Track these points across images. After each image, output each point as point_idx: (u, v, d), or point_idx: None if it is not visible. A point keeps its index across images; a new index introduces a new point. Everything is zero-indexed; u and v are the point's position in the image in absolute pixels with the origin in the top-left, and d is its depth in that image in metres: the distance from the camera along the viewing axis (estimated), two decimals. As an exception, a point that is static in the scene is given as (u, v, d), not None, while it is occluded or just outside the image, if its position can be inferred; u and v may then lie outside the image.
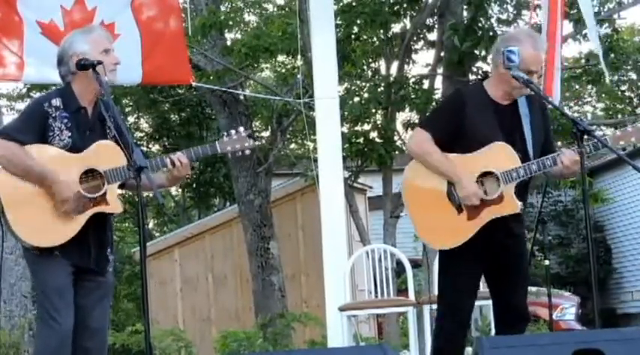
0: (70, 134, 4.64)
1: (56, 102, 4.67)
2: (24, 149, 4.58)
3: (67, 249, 4.60)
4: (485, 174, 4.79)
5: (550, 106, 5.20)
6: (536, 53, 4.81)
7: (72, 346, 4.60)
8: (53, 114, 4.64)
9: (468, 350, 6.20)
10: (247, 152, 4.89)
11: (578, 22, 11.78)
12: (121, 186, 4.73)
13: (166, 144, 19.82)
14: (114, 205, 4.66)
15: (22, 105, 17.83)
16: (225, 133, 4.88)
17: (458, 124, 4.78)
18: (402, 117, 12.08)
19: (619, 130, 4.87)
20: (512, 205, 4.78)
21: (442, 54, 11.39)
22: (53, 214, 4.58)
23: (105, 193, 4.62)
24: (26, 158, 4.57)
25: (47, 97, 4.72)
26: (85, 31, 4.89)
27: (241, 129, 4.90)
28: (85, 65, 4.64)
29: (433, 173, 4.81)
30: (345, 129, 10.88)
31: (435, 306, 6.47)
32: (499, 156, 4.77)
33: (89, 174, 4.63)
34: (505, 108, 4.86)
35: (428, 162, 4.80)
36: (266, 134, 15.10)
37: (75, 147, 4.64)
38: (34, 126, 4.63)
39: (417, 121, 11.32)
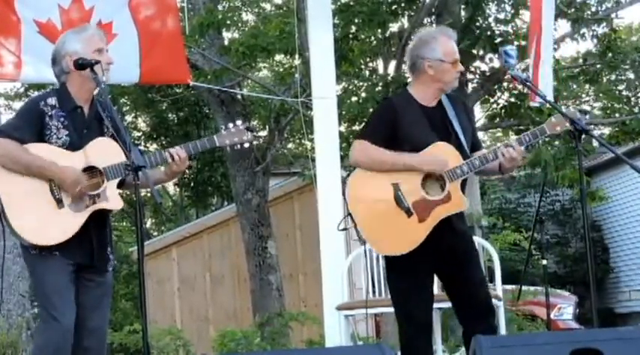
0: (67, 132, 4.64)
1: (52, 101, 4.67)
2: (22, 146, 4.58)
3: (67, 247, 4.59)
4: (430, 175, 4.80)
5: (546, 105, 5.21)
6: (452, 43, 4.90)
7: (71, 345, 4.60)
8: (49, 113, 4.64)
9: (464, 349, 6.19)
10: (246, 145, 4.89)
11: (576, 21, 11.81)
12: (119, 185, 4.73)
13: (164, 143, 19.79)
14: (114, 202, 4.66)
15: (19, 105, 17.81)
16: (224, 127, 4.88)
17: (392, 131, 4.82)
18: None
19: (553, 117, 4.86)
20: (460, 202, 4.80)
21: (440, 53, 11.37)
22: (53, 212, 4.57)
23: (105, 190, 4.62)
24: (24, 153, 4.57)
25: (43, 96, 4.72)
26: (78, 30, 4.89)
27: (239, 122, 4.90)
28: (83, 64, 4.64)
29: (382, 176, 4.79)
30: (342, 129, 10.89)
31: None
32: (440, 155, 4.79)
33: (89, 171, 4.63)
34: (433, 109, 4.91)
35: (379, 162, 4.81)
36: (264, 133, 15.09)
37: (72, 146, 4.64)
38: (30, 125, 4.63)
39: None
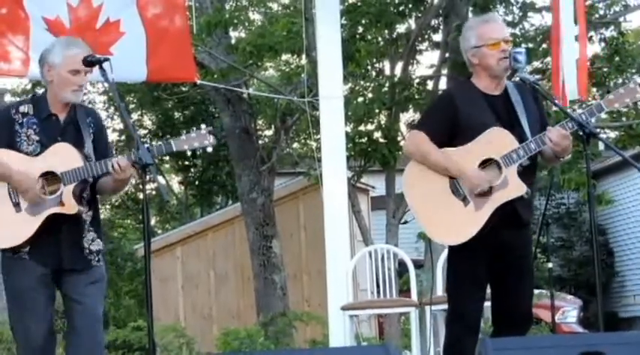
0: (38, 139, 4.68)
1: (25, 108, 4.73)
2: None
3: (36, 250, 4.64)
4: (485, 162, 4.75)
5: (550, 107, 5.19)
6: (490, 26, 4.88)
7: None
8: (20, 121, 4.70)
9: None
10: (209, 149, 4.82)
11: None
12: (92, 189, 4.75)
13: (169, 141, 19.74)
14: (68, 206, 4.65)
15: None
16: (185, 131, 4.86)
17: (451, 120, 4.78)
18: (405, 117, 12.08)
19: (611, 93, 4.83)
20: (518, 187, 4.74)
21: (447, 55, 11.38)
22: (10, 216, 4.61)
23: (61, 194, 4.63)
24: None
25: (17, 104, 4.80)
26: (68, 43, 4.86)
27: (203, 126, 4.83)
28: (91, 61, 4.66)
29: (434, 171, 4.78)
30: (348, 129, 10.88)
31: (435, 308, 6.48)
32: (496, 141, 4.74)
33: (48, 176, 4.65)
34: (496, 97, 4.86)
35: (427, 161, 4.79)
36: (269, 133, 15.08)
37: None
38: (0, 132, 4.68)
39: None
